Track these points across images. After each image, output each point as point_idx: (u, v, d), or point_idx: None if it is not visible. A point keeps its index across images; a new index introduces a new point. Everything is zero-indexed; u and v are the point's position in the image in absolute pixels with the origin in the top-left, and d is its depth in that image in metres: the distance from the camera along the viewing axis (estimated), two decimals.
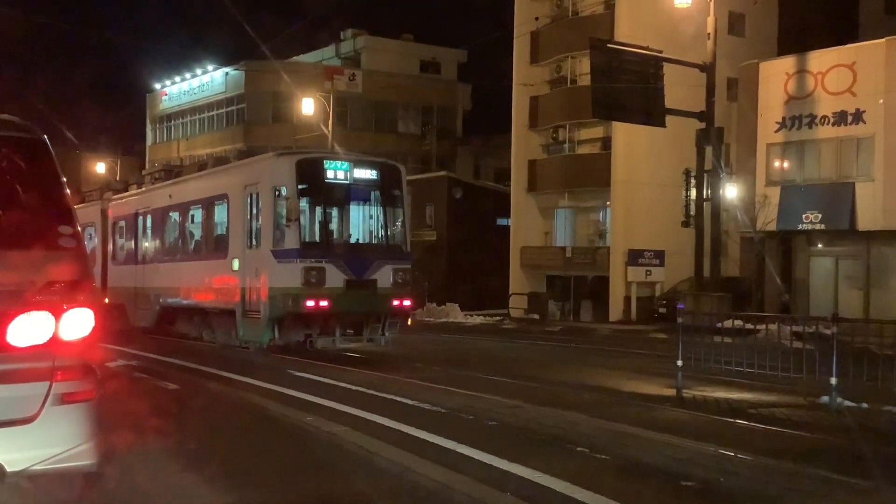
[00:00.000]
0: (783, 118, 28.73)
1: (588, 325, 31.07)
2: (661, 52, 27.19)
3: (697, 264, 27.02)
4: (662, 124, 27.33)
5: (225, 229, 18.57)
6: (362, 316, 16.67)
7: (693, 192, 27.18)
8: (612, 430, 9.10)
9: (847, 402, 10.55)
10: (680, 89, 27.07)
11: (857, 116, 26.97)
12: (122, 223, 23.93)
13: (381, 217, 17.40)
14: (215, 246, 19.02)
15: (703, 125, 26.56)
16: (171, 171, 23.72)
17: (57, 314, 4.61)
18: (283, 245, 16.21)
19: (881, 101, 26.46)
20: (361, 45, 53.72)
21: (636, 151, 32.20)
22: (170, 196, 21.27)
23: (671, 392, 12.02)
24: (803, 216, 27.73)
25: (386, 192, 17.35)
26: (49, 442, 4.59)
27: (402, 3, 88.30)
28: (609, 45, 27.36)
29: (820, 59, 28.00)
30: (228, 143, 47.96)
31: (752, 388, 11.98)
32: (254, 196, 17.21)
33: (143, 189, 23.59)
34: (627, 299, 32.14)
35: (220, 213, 18.97)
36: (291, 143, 37.94)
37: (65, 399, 4.65)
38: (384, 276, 16.50)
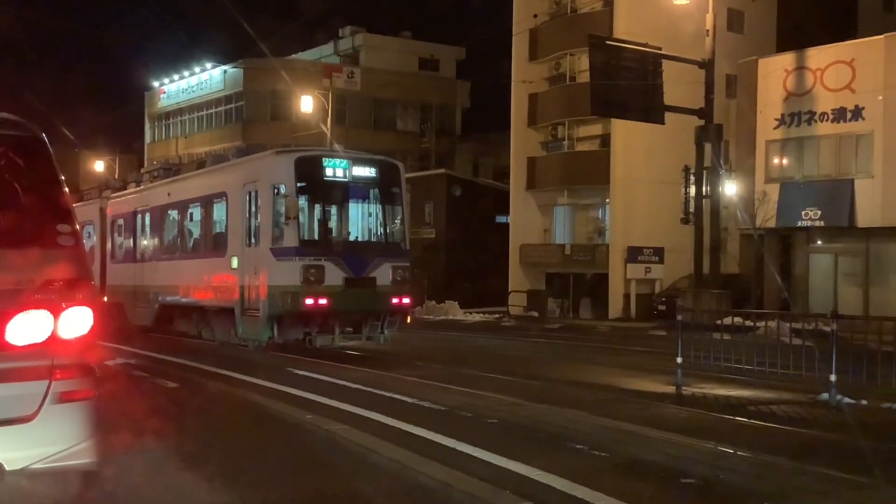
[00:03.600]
0: (782, 115, 28.72)
1: (587, 323, 31.06)
2: (660, 48, 27.16)
3: (697, 261, 27.01)
4: (661, 121, 27.32)
5: (224, 227, 18.56)
6: (361, 314, 16.66)
7: (692, 189, 27.15)
8: (612, 427, 9.09)
9: (846, 399, 10.56)
10: (679, 86, 27.06)
11: (857, 113, 26.97)
12: (121, 221, 23.92)
13: (380, 215, 17.38)
14: (214, 244, 19.01)
15: (702, 122, 26.54)
16: (170, 170, 23.71)
17: (56, 313, 4.60)
18: (282, 243, 16.19)
19: (880, 97, 26.46)
20: (360, 43, 53.71)
21: (635, 148, 32.20)
22: (168, 194, 21.25)
23: (671, 389, 12.03)
24: (802, 213, 27.74)
25: (385, 189, 17.33)
26: (48, 440, 4.59)
27: (400, 0, 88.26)
28: (608, 43, 27.34)
29: (819, 56, 28.00)
30: (227, 140, 47.94)
31: (751, 385, 11.98)
32: (253, 194, 17.20)
33: (142, 187, 23.56)
34: (627, 296, 32.14)
35: (218, 212, 18.95)
36: (290, 140, 37.97)
37: (63, 398, 4.64)
38: (383, 274, 16.49)
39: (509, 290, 35.43)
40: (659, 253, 31.91)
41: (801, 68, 28.38)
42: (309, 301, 15.73)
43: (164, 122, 58.00)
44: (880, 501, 6.70)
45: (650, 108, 27.00)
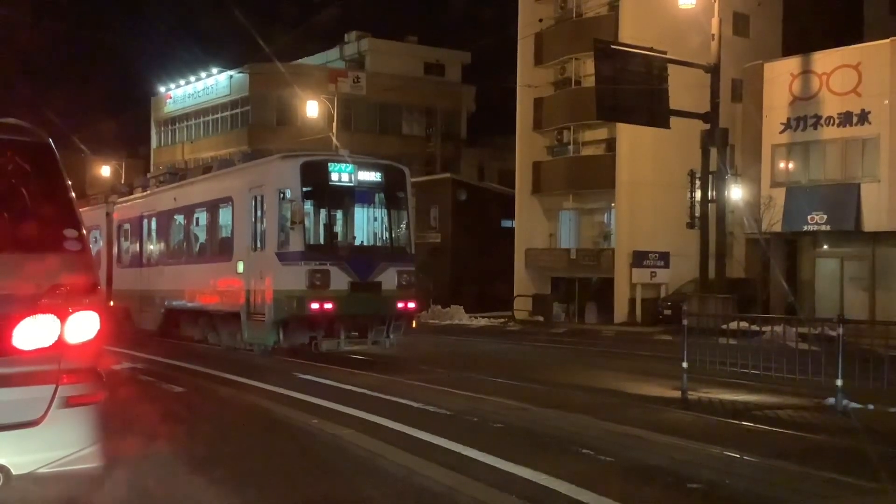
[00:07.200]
0: (788, 119, 28.69)
1: (593, 327, 31.04)
2: (665, 53, 27.16)
3: (702, 266, 26.99)
4: (667, 126, 27.30)
5: (230, 232, 18.59)
6: (367, 318, 16.66)
7: (698, 194, 27.17)
8: (618, 432, 9.09)
9: (853, 404, 10.53)
10: (684, 90, 27.04)
11: (863, 117, 26.92)
12: (127, 226, 23.98)
13: (386, 219, 17.39)
14: (220, 248, 19.04)
15: (707, 126, 26.53)
16: (176, 174, 23.76)
17: (62, 317, 4.62)
18: (288, 247, 16.21)
19: (886, 101, 26.41)
20: (365, 48, 53.74)
21: (641, 153, 32.17)
22: (174, 199, 21.30)
23: (676, 394, 12.01)
24: (808, 217, 27.68)
25: (390, 194, 17.35)
26: (55, 445, 4.60)
27: (405, 5, 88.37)
28: (613, 47, 27.34)
29: (824, 60, 27.96)
30: (233, 145, 48.00)
31: (757, 390, 11.95)
32: (258, 199, 17.23)
33: (148, 192, 23.63)
34: (632, 301, 32.10)
35: (224, 216, 18.99)
36: (296, 145, 37.96)
37: (70, 402, 4.66)
38: (389, 279, 16.50)
39: (514, 294, 35.40)
40: (664, 257, 31.85)
41: (806, 72, 28.35)
42: (314, 305, 15.74)
43: (170, 127, 58.10)
44: None
45: (656, 113, 26.98)
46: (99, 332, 4.76)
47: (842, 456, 8.15)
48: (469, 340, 24.55)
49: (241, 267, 17.57)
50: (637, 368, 16.19)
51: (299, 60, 52.55)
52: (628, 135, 31.78)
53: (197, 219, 20.45)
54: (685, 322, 12.77)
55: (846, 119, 27.28)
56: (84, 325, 4.70)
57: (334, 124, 40.07)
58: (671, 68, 26.92)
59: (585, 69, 33.39)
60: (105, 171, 52.07)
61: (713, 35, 26.38)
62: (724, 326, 14.46)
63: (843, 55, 27.67)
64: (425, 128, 53.48)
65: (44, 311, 4.58)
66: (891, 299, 26.02)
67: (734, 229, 30.03)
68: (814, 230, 27.98)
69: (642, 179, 32.33)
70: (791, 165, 29.13)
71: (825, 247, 28.98)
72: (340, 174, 16.77)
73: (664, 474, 7.25)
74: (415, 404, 10.85)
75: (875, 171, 26.88)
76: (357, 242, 17.31)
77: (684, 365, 12.08)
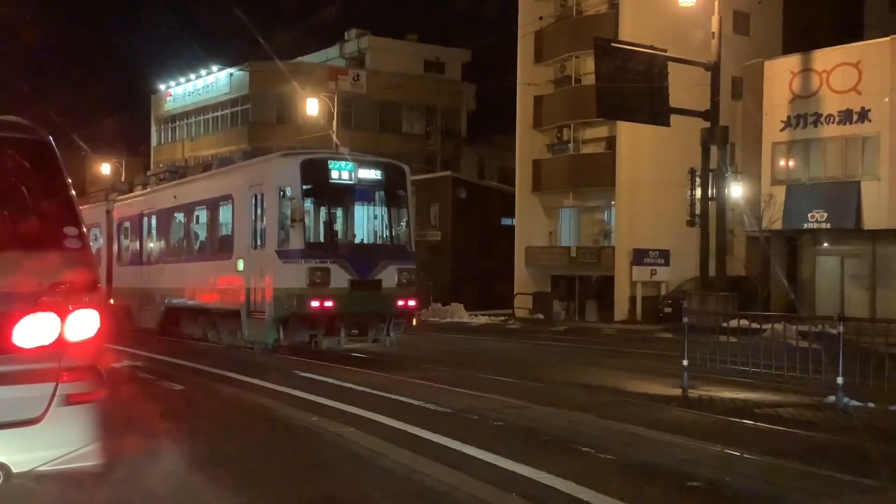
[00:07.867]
0: (788, 117, 28.69)
1: (593, 325, 31.04)
2: (665, 51, 27.14)
3: (703, 264, 26.99)
4: (667, 123, 27.29)
5: (230, 230, 18.58)
6: (367, 316, 16.66)
7: (698, 192, 27.16)
8: (618, 430, 9.09)
9: (853, 402, 10.52)
10: (685, 88, 27.02)
11: (863, 115, 26.92)
12: (127, 224, 23.98)
13: (386, 217, 17.39)
14: (220, 246, 19.04)
15: (707, 124, 26.52)
16: (176, 172, 23.75)
17: (63, 315, 4.62)
18: (288, 245, 16.21)
19: (886, 99, 26.41)
20: (366, 46, 53.73)
21: (641, 151, 32.17)
22: (174, 197, 21.30)
23: (677, 392, 12.01)
24: (809, 215, 27.69)
25: (390, 192, 17.35)
26: (55, 443, 4.60)
27: (406, 3, 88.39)
28: (613, 45, 27.33)
29: (825, 58, 27.96)
30: (233, 143, 47.99)
31: (757, 388, 11.95)
32: (258, 197, 17.22)
33: (148, 190, 23.62)
34: (632, 299, 32.11)
35: (224, 214, 18.98)
36: (296, 143, 37.97)
37: (71, 400, 4.66)
38: (389, 277, 16.50)
39: (515, 292, 35.41)
40: (665, 255, 31.85)
41: (807, 70, 28.35)
42: (315, 303, 15.75)
43: (170, 125, 58.09)
44: None
45: (656, 111, 26.97)
46: (99, 329, 4.76)
47: (842, 454, 8.14)
48: (469, 338, 24.56)
49: (241, 265, 17.56)
50: (637, 366, 16.18)
51: (299, 58, 52.52)
52: (628, 133, 31.78)
53: (197, 217, 20.45)
54: (685, 320, 12.79)
55: (846, 117, 27.28)
56: (84, 323, 4.70)
57: (334, 122, 40.09)
58: (671, 66, 26.90)
59: (586, 67, 33.36)
60: (105, 168, 52.08)
61: (713, 33, 26.37)
62: (725, 324, 14.43)
63: (843, 53, 27.66)
64: (425, 126, 53.47)
65: (44, 309, 4.57)
66: (891, 297, 26.03)
67: (734, 227, 30.02)
68: (814, 228, 27.99)
69: (642, 177, 32.32)
70: (791, 163, 29.13)
71: (825, 245, 28.98)
72: (340, 172, 16.77)
73: (665, 472, 7.25)
74: (415, 402, 10.85)
75: (875, 169, 26.88)
76: (357, 240, 17.31)
77: (685, 363, 12.09)
